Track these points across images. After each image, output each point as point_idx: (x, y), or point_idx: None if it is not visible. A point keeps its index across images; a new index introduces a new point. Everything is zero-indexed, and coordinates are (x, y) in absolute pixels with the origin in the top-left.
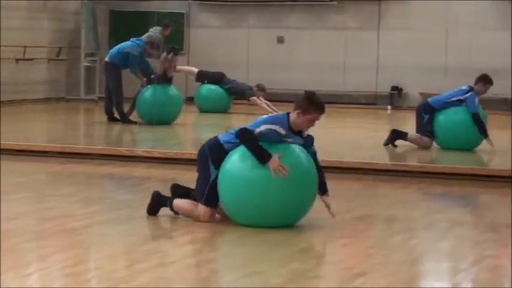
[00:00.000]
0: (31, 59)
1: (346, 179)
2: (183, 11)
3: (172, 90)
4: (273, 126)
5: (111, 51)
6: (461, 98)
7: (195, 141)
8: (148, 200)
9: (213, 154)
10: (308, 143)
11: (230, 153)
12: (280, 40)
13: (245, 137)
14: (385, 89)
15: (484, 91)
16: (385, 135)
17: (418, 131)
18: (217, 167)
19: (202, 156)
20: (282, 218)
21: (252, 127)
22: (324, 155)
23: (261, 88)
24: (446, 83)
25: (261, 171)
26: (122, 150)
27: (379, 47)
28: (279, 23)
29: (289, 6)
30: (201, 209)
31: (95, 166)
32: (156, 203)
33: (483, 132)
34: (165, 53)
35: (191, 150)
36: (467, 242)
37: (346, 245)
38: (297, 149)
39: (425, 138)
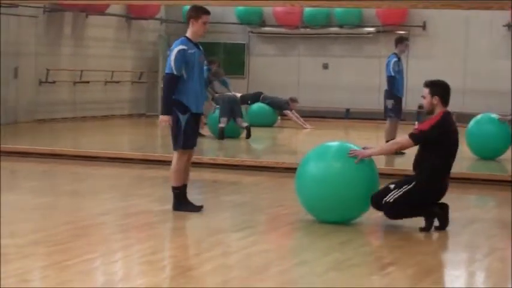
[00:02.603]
0: (118, 82)
1: None
2: (244, 42)
3: None
4: (180, 47)
5: None
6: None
7: (247, 149)
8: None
9: (176, 106)
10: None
11: (308, 156)
12: (325, 66)
13: (167, 85)
14: (412, 107)
15: (404, 48)
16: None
17: (385, 115)
18: (183, 112)
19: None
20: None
21: (172, 65)
22: None
23: (293, 100)
24: (464, 102)
25: (333, 172)
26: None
27: (407, 72)
28: (324, 52)
29: (333, 38)
30: (175, 156)
31: None
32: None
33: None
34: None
35: (249, 158)
36: (481, 236)
37: (378, 238)
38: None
39: (393, 120)
